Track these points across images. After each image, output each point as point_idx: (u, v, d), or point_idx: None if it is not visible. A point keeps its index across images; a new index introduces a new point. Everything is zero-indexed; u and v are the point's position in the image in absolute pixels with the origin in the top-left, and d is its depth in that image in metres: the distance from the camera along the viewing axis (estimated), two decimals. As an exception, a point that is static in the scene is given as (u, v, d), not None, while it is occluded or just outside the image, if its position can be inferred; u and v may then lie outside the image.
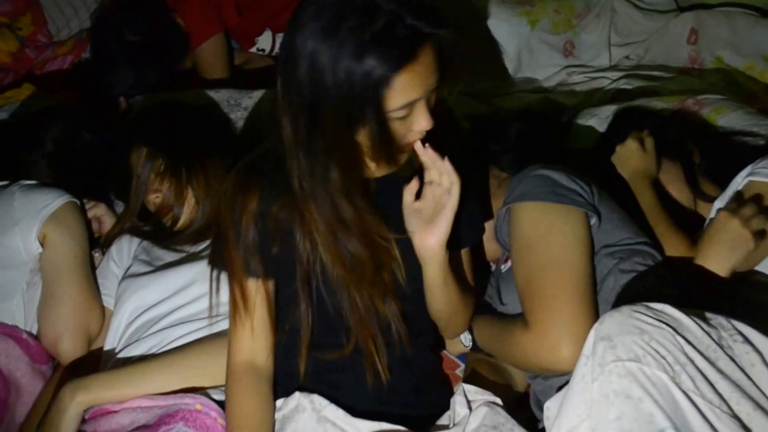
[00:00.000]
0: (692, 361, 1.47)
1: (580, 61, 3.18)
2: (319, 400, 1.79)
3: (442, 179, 1.67)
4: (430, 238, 1.70)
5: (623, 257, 1.84)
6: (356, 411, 1.78)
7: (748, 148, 2.43)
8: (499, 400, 1.80)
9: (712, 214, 2.03)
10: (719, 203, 2.02)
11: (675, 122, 2.51)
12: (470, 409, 1.80)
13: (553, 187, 1.83)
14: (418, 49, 1.54)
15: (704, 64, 3.12)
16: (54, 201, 2.14)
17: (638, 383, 1.45)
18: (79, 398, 1.86)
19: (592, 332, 1.54)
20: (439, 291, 1.80)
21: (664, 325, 1.50)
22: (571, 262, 1.76)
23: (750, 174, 1.97)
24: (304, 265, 1.74)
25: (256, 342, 1.82)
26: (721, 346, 1.51)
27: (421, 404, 1.90)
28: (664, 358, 1.46)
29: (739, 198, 1.93)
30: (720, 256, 1.85)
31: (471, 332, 2.03)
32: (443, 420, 1.88)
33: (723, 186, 2.10)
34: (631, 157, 2.18)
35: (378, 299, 1.76)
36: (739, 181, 1.99)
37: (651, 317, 1.51)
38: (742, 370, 1.50)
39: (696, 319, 1.53)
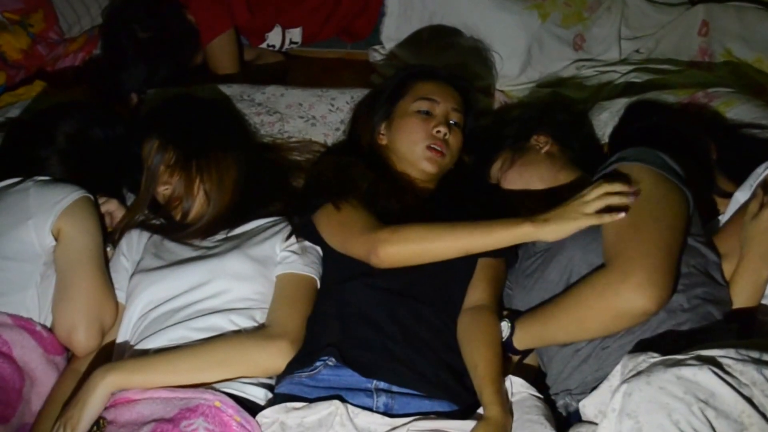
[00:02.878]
0: None
1: (590, 54, 3.17)
2: (352, 408, 1.86)
3: None
4: None
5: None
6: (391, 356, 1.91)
7: (757, 140, 2.43)
8: (540, 395, 1.88)
9: (734, 207, 2.03)
10: (741, 196, 2.01)
11: (689, 117, 2.51)
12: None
13: (667, 165, 1.92)
14: None
15: (714, 56, 3.12)
16: (68, 196, 2.14)
17: None
18: (109, 379, 1.89)
19: (619, 397, 1.58)
20: None
21: (693, 401, 1.51)
22: (677, 229, 1.84)
23: None
24: None
25: None
26: (755, 407, 1.52)
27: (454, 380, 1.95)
28: None
29: (766, 189, 1.93)
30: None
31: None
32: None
33: (736, 179, 2.10)
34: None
35: None
36: (760, 172, 1.98)
37: (681, 391, 1.52)
38: None
39: (729, 380, 1.53)
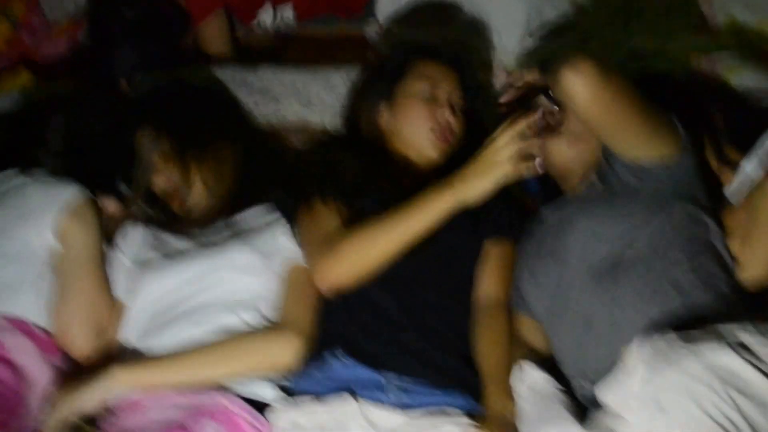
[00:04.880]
0: (746, 419, 1.49)
1: (591, 22, 3.10)
2: (366, 405, 1.84)
3: None
4: None
5: None
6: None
7: (764, 107, 2.40)
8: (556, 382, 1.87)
9: (743, 178, 1.99)
10: (750, 167, 1.98)
11: (694, 85, 2.47)
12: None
13: None
14: None
15: (717, 21, 3.06)
16: (69, 196, 2.13)
17: None
18: (117, 375, 1.90)
19: (642, 385, 1.58)
20: None
21: (720, 386, 1.50)
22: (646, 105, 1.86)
23: None
24: None
25: None
26: None
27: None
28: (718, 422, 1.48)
29: None
30: None
31: None
32: None
33: (743, 148, 2.07)
34: None
35: None
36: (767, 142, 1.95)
37: (707, 376, 1.51)
38: None
39: (754, 361, 1.52)
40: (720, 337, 1.57)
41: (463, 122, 2.24)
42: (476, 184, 1.88)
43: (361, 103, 2.32)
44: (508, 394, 1.88)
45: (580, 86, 1.76)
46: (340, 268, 1.94)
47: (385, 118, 2.24)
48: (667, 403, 1.52)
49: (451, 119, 2.19)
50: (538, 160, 1.83)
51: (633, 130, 1.86)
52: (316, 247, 2.01)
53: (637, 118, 1.85)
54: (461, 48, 2.81)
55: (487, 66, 2.92)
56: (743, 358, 1.52)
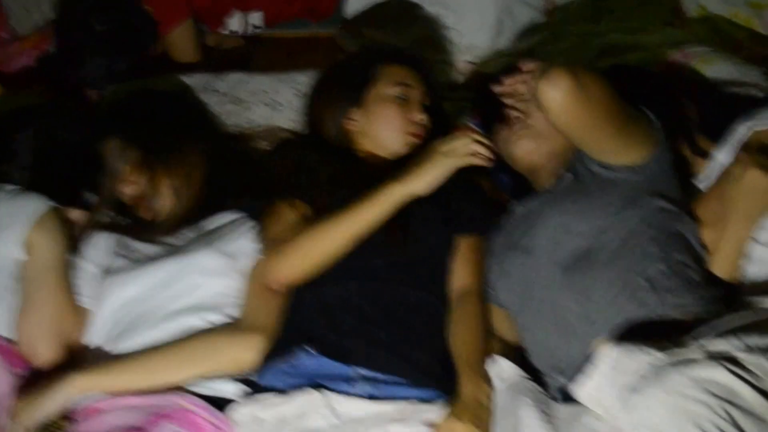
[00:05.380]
0: None
1: (561, 20, 3.11)
2: (332, 395, 1.83)
3: None
4: None
5: None
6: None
7: (738, 98, 2.41)
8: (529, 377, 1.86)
9: (715, 168, 1.98)
10: (722, 156, 1.97)
11: (667, 77, 2.46)
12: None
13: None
14: None
15: (689, 13, 3.07)
16: (35, 208, 2.11)
17: None
18: (75, 381, 1.87)
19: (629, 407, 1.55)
20: None
21: (715, 402, 1.47)
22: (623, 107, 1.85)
23: (753, 124, 1.91)
24: None
25: None
26: None
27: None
28: None
29: (748, 150, 1.87)
30: (752, 213, 1.85)
31: None
32: None
33: (716, 138, 2.06)
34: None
35: None
36: (743, 132, 1.93)
37: (701, 394, 1.48)
38: None
39: (744, 375, 1.49)
40: (710, 356, 1.54)
41: (431, 120, 2.26)
42: (423, 175, 1.94)
43: (325, 109, 2.31)
44: (484, 378, 1.86)
45: (554, 101, 1.76)
46: (286, 265, 1.96)
47: (357, 123, 2.25)
48: (666, 427, 1.49)
49: (424, 118, 2.22)
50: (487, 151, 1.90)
51: (609, 140, 1.86)
52: (270, 244, 2.03)
53: (613, 127, 1.84)
54: (430, 44, 2.84)
55: (448, 63, 2.96)
56: (737, 375, 1.49)
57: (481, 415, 1.80)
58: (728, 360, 1.51)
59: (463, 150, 1.93)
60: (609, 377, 1.63)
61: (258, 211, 2.16)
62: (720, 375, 1.49)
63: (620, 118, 1.84)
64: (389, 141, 2.20)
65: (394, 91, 2.22)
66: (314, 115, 2.35)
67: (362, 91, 2.25)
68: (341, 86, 2.29)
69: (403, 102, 2.21)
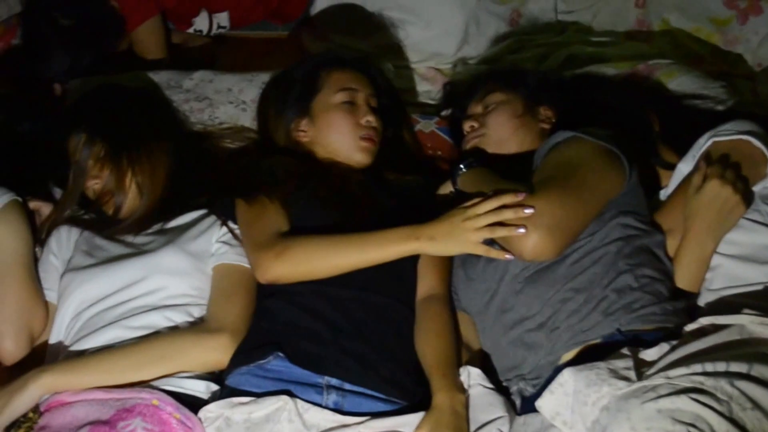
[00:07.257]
0: None
1: (526, 30, 3.14)
2: (302, 403, 1.83)
3: None
4: None
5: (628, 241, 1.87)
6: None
7: (699, 111, 2.44)
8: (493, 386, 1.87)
9: (677, 178, 2.00)
10: (684, 167, 1.99)
11: (630, 90, 2.49)
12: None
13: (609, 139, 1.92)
14: None
15: (652, 27, 3.11)
16: None
17: None
18: (42, 380, 1.85)
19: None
20: None
21: (682, 428, 1.47)
22: (594, 187, 1.85)
23: (714, 135, 1.94)
24: None
25: None
26: (735, 423, 1.48)
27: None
28: None
29: (709, 161, 1.89)
30: (713, 224, 1.85)
31: None
32: None
33: (679, 150, 2.08)
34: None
35: None
36: (702, 143, 1.95)
37: (668, 422, 1.49)
38: None
39: (707, 402, 1.50)
40: (673, 386, 1.54)
41: (381, 121, 2.26)
42: (440, 247, 1.88)
43: (274, 122, 2.32)
44: (457, 385, 1.85)
45: (534, 255, 1.79)
46: (286, 268, 1.93)
47: (307, 134, 2.26)
48: None
49: (372, 120, 2.22)
50: (509, 257, 1.83)
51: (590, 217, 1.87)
52: (261, 239, 2.00)
53: (590, 219, 1.86)
54: (393, 52, 2.87)
55: (414, 69, 3.01)
56: (700, 402, 1.49)
57: (459, 424, 1.79)
58: (691, 389, 1.52)
59: (485, 232, 1.82)
60: (569, 404, 1.65)
61: (224, 210, 2.16)
62: (684, 404, 1.49)
63: (595, 202, 1.86)
64: (342, 147, 2.20)
65: (338, 97, 2.23)
66: (266, 127, 2.37)
67: (308, 101, 2.26)
68: (287, 98, 2.30)
69: (349, 107, 2.22)
